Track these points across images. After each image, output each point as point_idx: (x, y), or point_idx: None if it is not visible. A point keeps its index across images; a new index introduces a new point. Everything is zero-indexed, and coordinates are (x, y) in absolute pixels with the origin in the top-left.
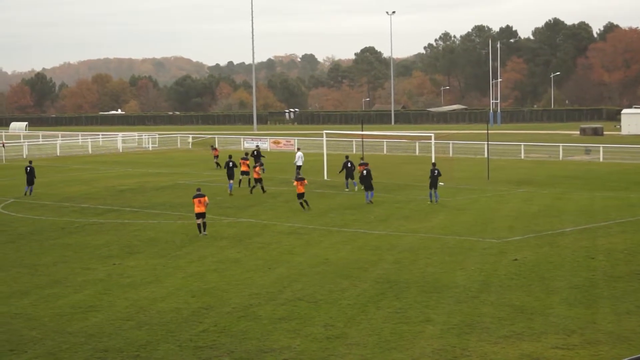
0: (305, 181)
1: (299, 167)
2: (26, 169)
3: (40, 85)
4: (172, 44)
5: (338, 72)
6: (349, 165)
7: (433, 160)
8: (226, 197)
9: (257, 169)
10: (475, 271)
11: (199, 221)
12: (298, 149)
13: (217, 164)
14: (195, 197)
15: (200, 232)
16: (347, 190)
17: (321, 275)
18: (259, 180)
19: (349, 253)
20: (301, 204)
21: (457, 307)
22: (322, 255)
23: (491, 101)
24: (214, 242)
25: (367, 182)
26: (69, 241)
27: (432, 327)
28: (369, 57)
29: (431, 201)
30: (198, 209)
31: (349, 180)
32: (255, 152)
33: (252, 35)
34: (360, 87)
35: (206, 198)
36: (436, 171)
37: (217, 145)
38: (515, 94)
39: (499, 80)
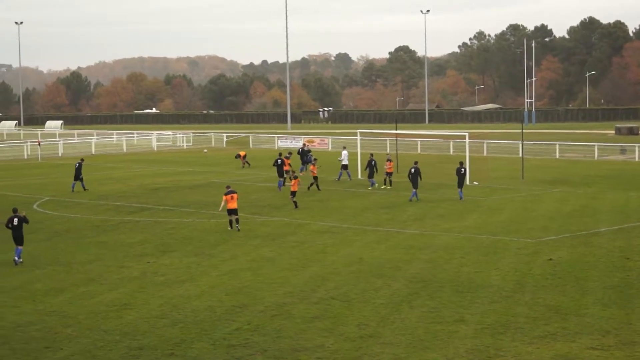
0: (299, 179)
1: (344, 166)
2: (76, 164)
3: (75, 84)
4: (207, 43)
5: (372, 71)
6: (373, 163)
7: (467, 160)
8: (260, 196)
9: (314, 167)
10: (510, 271)
11: (232, 217)
12: (344, 148)
13: (248, 162)
14: (227, 193)
15: (231, 227)
16: (369, 188)
17: (355, 274)
18: (315, 178)
19: (383, 252)
20: (294, 202)
21: (491, 307)
22: (355, 254)
23: (526, 100)
24: (247, 241)
25: (414, 179)
26: (104, 239)
27: (465, 327)
28: (403, 56)
29: (461, 198)
30: (231, 205)
31: (372, 179)
32: (301, 150)
33: (286, 34)
34: (394, 86)
35: (237, 195)
36: (463, 169)
37: (251, 145)
38: (550, 93)
39: (534, 79)
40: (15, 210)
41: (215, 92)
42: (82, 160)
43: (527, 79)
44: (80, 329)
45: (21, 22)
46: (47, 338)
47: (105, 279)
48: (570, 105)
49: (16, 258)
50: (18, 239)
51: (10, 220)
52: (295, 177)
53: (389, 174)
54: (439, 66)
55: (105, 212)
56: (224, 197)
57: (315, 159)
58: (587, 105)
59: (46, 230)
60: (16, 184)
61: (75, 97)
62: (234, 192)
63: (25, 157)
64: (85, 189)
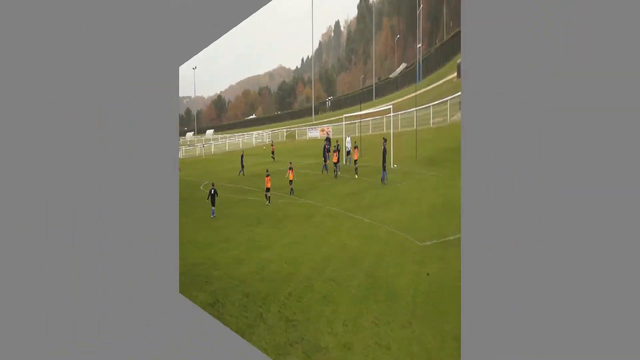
0: (293, 170)
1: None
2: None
3: (219, 103)
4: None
5: None
6: (327, 148)
7: (391, 138)
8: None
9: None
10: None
11: (269, 194)
12: (348, 135)
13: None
14: (267, 175)
15: (269, 202)
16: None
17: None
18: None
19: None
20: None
21: None
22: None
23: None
24: (306, 220)
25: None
26: (231, 212)
27: None
28: None
29: (383, 181)
30: (268, 184)
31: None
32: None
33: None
34: None
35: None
36: (384, 147)
37: (296, 137)
38: None
39: None
40: (213, 184)
41: (280, 96)
42: (243, 152)
43: None
44: (220, 274)
45: (194, 68)
46: (206, 275)
47: (232, 240)
48: None
49: (212, 216)
50: (214, 203)
51: (210, 191)
52: (290, 168)
53: (354, 162)
54: None
55: (232, 192)
56: (266, 179)
57: (355, 142)
58: None
59: (200, 204)
60: (190, 173)
61: (220, 112)
62: (268, 174)
63: (197, 154)
64: (243, 175)
